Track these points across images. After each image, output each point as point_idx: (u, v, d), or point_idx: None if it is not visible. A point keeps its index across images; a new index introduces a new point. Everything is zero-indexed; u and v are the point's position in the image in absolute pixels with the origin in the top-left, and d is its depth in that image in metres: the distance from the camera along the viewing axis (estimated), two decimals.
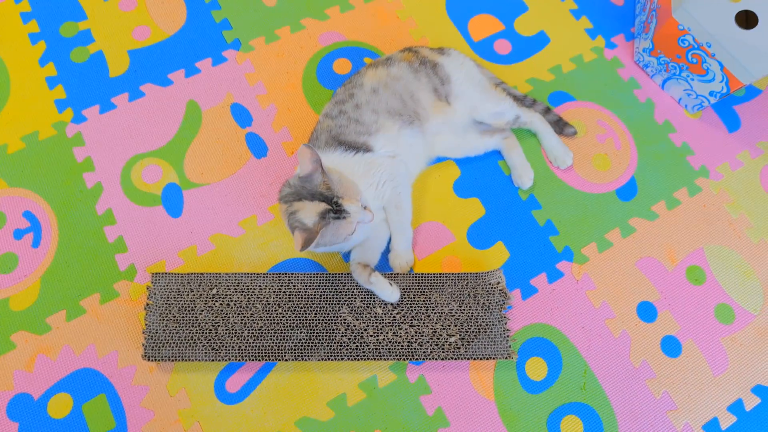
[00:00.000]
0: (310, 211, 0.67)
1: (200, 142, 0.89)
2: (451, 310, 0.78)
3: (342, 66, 0.95)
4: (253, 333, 0.75)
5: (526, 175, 0.87)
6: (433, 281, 0.80)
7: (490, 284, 0.80)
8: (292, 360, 0.74)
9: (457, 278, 0.80)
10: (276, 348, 0.75)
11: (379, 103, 0.79)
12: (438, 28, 0.99)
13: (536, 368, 0.78)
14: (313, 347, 0.75)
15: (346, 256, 0.83)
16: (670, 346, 0.81)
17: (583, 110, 0.95)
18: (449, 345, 0.76)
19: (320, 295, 0.78)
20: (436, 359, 0.75)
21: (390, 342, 0.76)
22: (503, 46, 0.98)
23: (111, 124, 0.89)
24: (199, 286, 0.77)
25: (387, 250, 0.82)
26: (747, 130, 0.95)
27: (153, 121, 0.90)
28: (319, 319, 0.77)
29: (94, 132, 0.89)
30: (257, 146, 0.89)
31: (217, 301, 0.77)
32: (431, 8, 1.01)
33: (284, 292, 0.78)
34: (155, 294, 0.77)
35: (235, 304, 0.77)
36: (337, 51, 0.96)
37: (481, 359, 0.76)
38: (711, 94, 0.89)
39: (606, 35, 1.00)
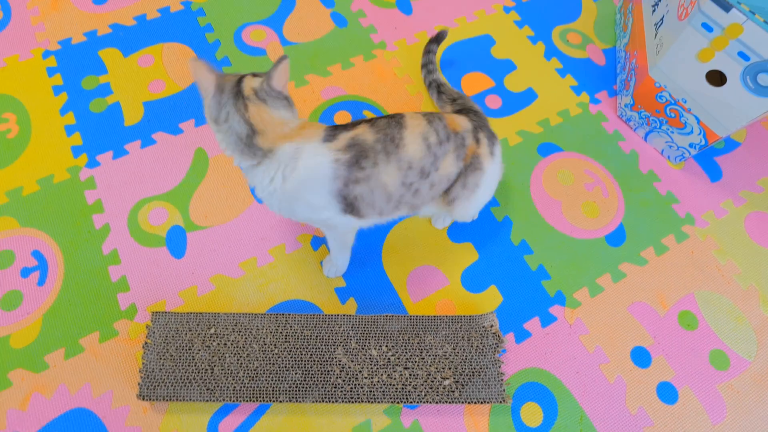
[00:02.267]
0: None
1: (206, 186, 0.93)
2: (446, 352, 0.79)
3: (342, 118, 1.01)
4: (248, 373, 0.76)
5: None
6: (427, 324, 0.81)
7: (483, 327, 0.81)
8: (287, 401, 0.74)
9: (451, 321, 0.81)
10: (271, 389, 0.75)
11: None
12: None
13: (532, 414, 0.78)
14: (308, 389, 0.76)
15: (342, 297, 0.85)
16: (667, 393, 0.81)
17: (571, 160, 0.99)
18: (444, 388, 0.76)
19: (316, 336, 0.79)
20: (430, 402, 0.75)
21: (384, 384, 0.76)
22: (494, 101, 1.05)
23: (122, 169, 0.94)
24: (198, 325, 0.79)
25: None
26: (729, 180, 0.99)
27: (162, 167, 0.95)
28: (314, 360, 0.77)
29: (106, 176, 0.93)
30: None
31: (214, 340, 0.78)
32: (416, 65, 1.08)
33: (281, 332, 0.79)
34: (154, 333, 0.78)
35: (232, 344, 0.78)
36: (338, 104, 1.03)
37: (475, 403, 0.76)
38: (691, 146, 0.94)
39: (590, 92, 1.07)
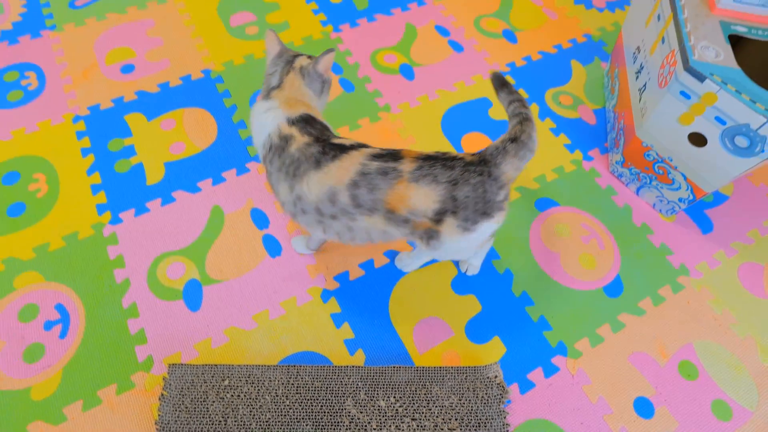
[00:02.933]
0: None
1: (222, 241, 0.98)
2: (452, 403, 0.81)
3: None
4: (261, 425, 0.78)
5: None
6: (434, 375, 0.84)
7: (488, 378, 0.83)
8: None
9: (456, 372, 0.84)
10: None
11: None
12: (435, 143, 1.13)
13: None
14: None
15: (351, 349, 0.88)
16: None
17: (567, 214, 1.05)
18: None
19: (326, 387, 0.82)
20: None
21: None
22: None
23: (144, 226, 1.00)
24: (212, 377, 0.82)
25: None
26: (720, 232, 1.04)
27: (181, 224, 1.00)
28: (324, 412, 0.80)
29: (128, 232, 0.99)
30: (272, 246, 0.98)
31: (228, 392, 0.80)
32: (428, 127, 1.16)
33: (292, 384, 0.82)
34: (170, 385, 0.81)
35: (245, 396, 0.80)
36: None
37: None
38: (680, 200, 0.99)
39: (583, 149, 1.14)
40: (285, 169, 0.76)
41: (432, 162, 0.71)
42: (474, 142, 1.14)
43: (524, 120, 0.74)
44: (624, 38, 1.15)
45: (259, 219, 1.01)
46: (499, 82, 0.79)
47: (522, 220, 1.03)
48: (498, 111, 1.19)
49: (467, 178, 0.70)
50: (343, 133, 1.14)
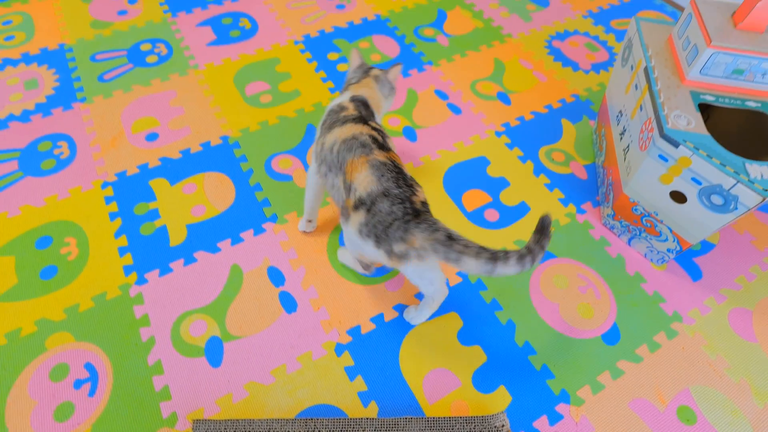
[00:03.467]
0: None
1: (241, 299, 1.05)
2: None
3: None
4: None
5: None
6: (444, 425, 0.88)
7: (495, 427, 0.88)
8: None
9: (465, 422, 0.88)
10: None
11: None
12: (437, 200, 1.21)
13: None
14: None
15: (364, 401, 0.93)
16: None
17: (564, 266, 1.11)
18: None
19: None
20: None
21: None
22: (492, 215, 1.19)
23: (167, 286, 1.07)
24: None
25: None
26: (709, 279, 1.10)
27: (202, 283, 1.07)
28: None
29: (153, 292, 1.06)
30: (288, 303, 1.05)
31: None
32: (431, 185, 1.24)
33: None
34: None
35: None
36: None
37: None
38: (669, 251, 1.06)
39: (576, 203, 1.22)
40: (327, 125, 0.95)
41: (394, 171, 0.84)
42: (474, 199, 1.22)
43: (504, 254, 0.75)
44: (608, 100, 1.25)
45: (276, 277, 1.08)
46: (541, 226, 0.79)
47: (522, 272, 1.10)
48: (495, 169, 1.28)
49: (393, 203, 0.80)
50: None
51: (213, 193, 1.22)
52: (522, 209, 1.20)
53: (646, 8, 1.81)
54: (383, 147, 0.87)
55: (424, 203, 0.83)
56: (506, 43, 1.64)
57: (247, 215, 1.18)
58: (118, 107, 1.41)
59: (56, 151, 1.31)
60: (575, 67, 1.57)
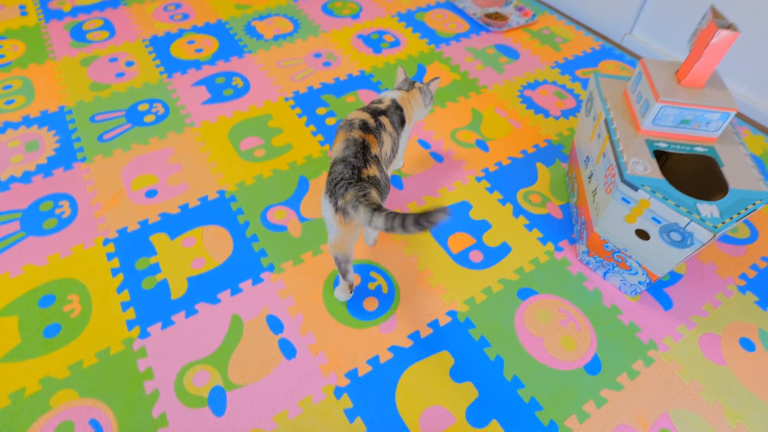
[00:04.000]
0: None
1: (242, 348, 1.10)
2: None
3: (356, 278, 1.22)
4: None
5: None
6: None
7: None
8: None
9: None
10: None
11: None
12: (425, 245, 1.29)
13: None
14: None
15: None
16: None
17: (546, 301, 1.19)
18: None
19: None
20: None
21: None
22: (477, 256, 1.27)
23: (170, 338, 1.11)
24: None
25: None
26: (679, 308, 1.19)
27: (204, 334, 1.12)
28: None
29: (156, 345, 1.10)
30: (288, 349, 1.10)
31: None
32: None
33: None
34: None
35: None
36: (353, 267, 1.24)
37: None
38: (640, 283, 1.15)
39: (554, 241, 1.31)
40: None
41: (360, 146, 1.03)
42: (459, 241, 1.30)
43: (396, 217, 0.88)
44: (576, 146, 1.37)
45: (275, 324, 1.14)
46: (431, 212, 0.88)
47: (507, 309, 1.17)
48: (478, 212, 1.37)
49: (346, 167, 0.99)
50: None
51: (212, 246, 1.28)
52: (504, 249, 1.29)
53: (607, 58, 1.98)
54: (367, 129, 1.07)
55: (371, 177, 0.99)
56: (482, 93, 1.77)
57: (245, 266, 1.24)
58: (117, 166, 1.48)
59: (58, 211, 1.36)
60: (546, 114, 1.70)
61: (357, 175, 0.98)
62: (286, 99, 1.72)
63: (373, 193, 0.96)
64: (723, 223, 0.93)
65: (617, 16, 2.04)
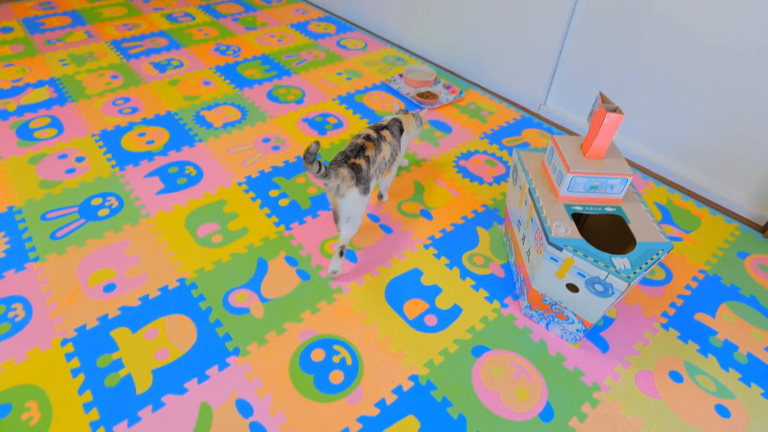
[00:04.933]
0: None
1: None
2: None
3: (317, 354, 1.27)
4: None
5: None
6: None
7: None
8: None
9: None
10: None
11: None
12: (383, 314, 1.38)
13: None
14: None
15: None
16: None
17: (499, 356, 1.29)
18: None
19: None
20: None
21: None
22: (431, 320, 1.37)
23: None
24: None
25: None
26: (614, 349, 1.32)
27: (173, 426, 1.12)
28: None
29: None
30: None
31: None
32: (375, 301, 1.41)
33: None
34: None
35: None
36: (313, 344, 1.30)
37: None
38: (578, 330, 1.28)
39: (499, 299, 1.44)
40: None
41: (357, 148, 1.41)
42: (414, 307, 1.40)
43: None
44: (508, 210, 1.54)
45: (244, 408, 1.16)
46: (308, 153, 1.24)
47: (464, 368, 1.26)
48: (428, 278, 1.49)
49: (342, 156, 1.39)
50: (306, 317, 1.36)
51: (175, 335, 1.30)
52: (456, 311, 1.39)
53: (528, 127, 2.24)
54: (369, 138, 1.46)
55: (355, 165, 1.37)
56: (422, 166, 1.94)
57: (210, 352, 1.27)
58: (72, 263, 1.49)
59: (11, 314, 1.34)
60: (480, 181, 1.88)
61: (345, 160, 1.37)
62: (239, 184, 1.81)
63: (343, 170, 1.33)
64: (635, 273, 1.09)
65: (532, 90, 2.33)
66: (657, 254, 1.14)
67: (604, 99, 1.24)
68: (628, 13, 1.86)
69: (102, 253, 1.53)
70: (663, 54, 1.82)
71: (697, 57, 1.74)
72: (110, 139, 2.02)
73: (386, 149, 1.50)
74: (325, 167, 1.26)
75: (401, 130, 1.63)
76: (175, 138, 2.05)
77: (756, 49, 1.59)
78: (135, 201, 1.72)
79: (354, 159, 1.38)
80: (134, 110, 2.22)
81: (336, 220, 1.46)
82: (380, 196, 1.76)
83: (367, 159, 1.41)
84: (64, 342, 1.28)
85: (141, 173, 1.85)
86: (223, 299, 1.40)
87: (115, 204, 1.70)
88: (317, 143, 1.20)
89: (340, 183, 1.34)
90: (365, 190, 1.40)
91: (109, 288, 1.42)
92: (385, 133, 1.52)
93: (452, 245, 1.60)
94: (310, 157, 1.20)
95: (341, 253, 1.43)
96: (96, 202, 1.71)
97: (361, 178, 1.38)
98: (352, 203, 1.38)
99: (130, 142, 2.01)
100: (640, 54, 1.89)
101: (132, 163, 1.89)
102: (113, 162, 1.90)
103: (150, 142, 2.01)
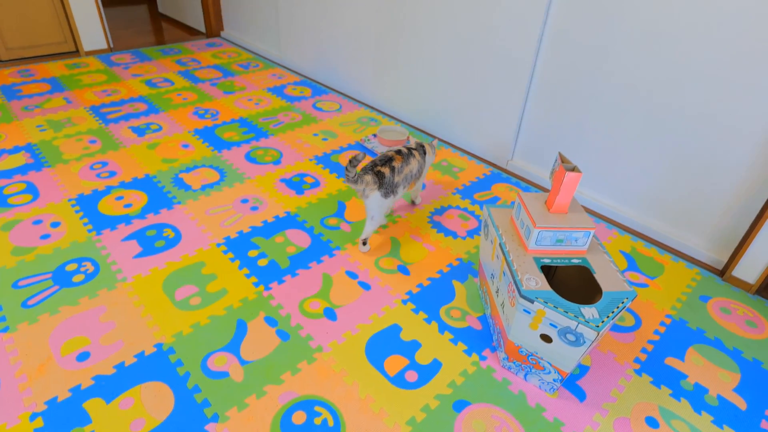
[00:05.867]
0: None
1: None
2: None
3: (299, 417, 1.26)
4: None
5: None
6: None
7: None
8: None
9: None
10: None
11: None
12: (363, 372, 1.38)
13: None
14: None
15: None
16: None
17: (479, 410, 1.30)
18: None
19: None
20: None
21: None
22: (412, 376, 1.38)
23: None
24: None
25: None
26: (592, 397, 1.35)
27: None
28: None
29: None
30: None
31: None
32: (356, 359, 1.42)
33: None
34: None
35: None
36: (294, 406, 1.28)
37: None
38: (554, 380, 1.31)
39: (478, 352, 1.46)
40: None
41: (386, 159, 1.75)
42: (394, 364, 1.41)
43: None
44: (482, 263, 1.59)
45: None
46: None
47: (446, 424, 1.26)
48: (407, 333, 1.51)
49: (372, 163, 1.74)
50: (287, 378, 1.35)
51: (151, 404, 1.27)
52: (436, 366, 1.41)
53: (497, 182, 2.35)
54: (399, 153, 1.80)
55: (380, 172, 1.69)
56: (398, 222, 2.01)
57: (188, 420, 1.24)
58: (44, 332, 1.45)
59: None
60: (455, 235, 1.95)
61: (372, 167, 1.70)
62: (218, 245, 1.83)
63: (367, 177, 1.66)
64: (603, 321, 1.14)
65: (500, 147, 2.47)
66: (622, 302, 1.20)
67: (563, 159, 1.34)
68: (584, 75, 2.03)
69: (76, 320, 1.50)
70: (619, 112, 1.98)
71: (651, 115, 1.89)
72: (87, 204, 2.03)
73: (414, 164, 1.84)
74: (356, 174, 1.64)
75: (424, 152, 1.98)
76: (153, 201, 2.07)
77: (700, 107, 1.76)
78: (111, 265, 1.71)
79: (380, 167, 1.69)
80: (112, 174, 2.25)
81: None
82: (413, 202, 2.13)
83: (392, 169, 1.72)
84: (33, 416, 1.23)
85: (118, 237, 1.85)
86: (202, 363, 1.38)
87: (91, 269, 1.69)
88: (363, 154, 1.60)
89: (365, 187, 1.66)
90: (386, 194, 1.70)
91: (83, 356, 1.39)
92: (414, 152, 1.88)
93: (430, 299, 1.64)
94: (354, 161, 1.57)
95: (364, 243, 1.81)
96: (71, 267, 1.70)
97: (383, 184, 1.68)
98: (374, 203, 1.70)
99: (107, 206, 2.02)
100: (597, 112, 2.04)
101: (109, 227, 1.90)
102: (90, 226, 1.90)
103: (128, 206, 2.03)
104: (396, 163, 1.74)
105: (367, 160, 2.46)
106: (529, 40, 2.13)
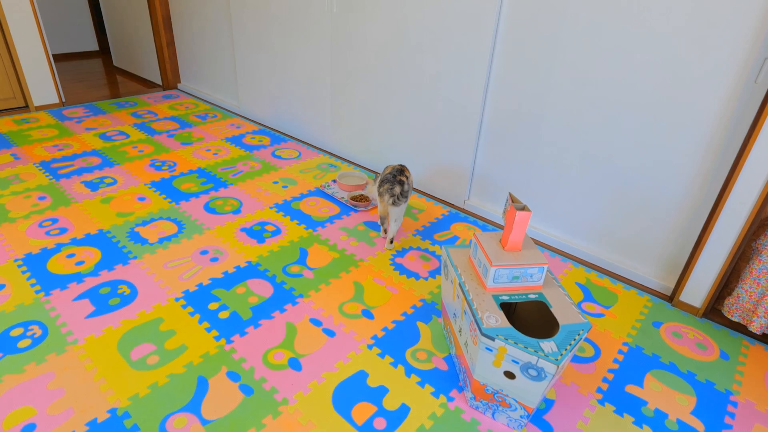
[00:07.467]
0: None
1: None
2: None
3: None
4: None
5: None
6: None
7: None
8: None
9: None
10: None
11: None
12: (331, 423, 1.35)
13: None
14: None
15: None
16: None
17: None
18: None
19: None
20: None
21: None
22: (381, 423, 1.36)
23: None
24: None
25: None
26: (559, 431, 1.37)
27: None
28: None
29: None
30: None
31: None
32: (322, 410, 1.39)
33: None
34: None
35: None
36: None
37: None
38: (521, 416, 1.32)
39: (445, 393, 1.46)
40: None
41: (394, 175, 2.05)
42: (362, 412, 1.38)
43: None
44: (444, 303, 1.62)
45: None
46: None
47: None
48: (374, 379, 1.49)
49: (383, 179, 2.09)
50: None
51: None
52: (404, 411, 1.40)
53: (456, 221, 2.42)
54: (402, 173, 2.05)
55: (400, 181, 2.02)
56: (360, 266, 2.02)
57: None
58: None
59: None
60: (417, 276, 1.98)
61: (393, 177, 2.02)
62: (177, 299, 1.78)
63: (396, 188, 1.99)
64: (561, 355, 1.18)
65: (456, 187, 2.56)
66: (579, 334, 1.25)
67: (513, 199, 1.41)
68: (527, 118, 2.16)
69: (20, 390, 1.40)
70: (560, 151, 2.11)
71: (588, 152, 2.03)
72: (35, 263, 1.94)
73: (411, 180, 2.13)
74: (400, 196, 2.01)
75: (408, 175, 2.18)
76: (107, 257, 2.00)
77: (632, 143, 1.90)
78: (61, 327, 1.63)
79: (400, 176, 2.02)
80: (63, 231, 2.17)
81: (382, 222, 2.19)
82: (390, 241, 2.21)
83: (406, 177, 2.06)
84: None
85: (69, 297, 1.77)
86: (160, 426, 1.31)
87: (39, 333, 1.60)
88: (402, 182, 2.02)
89: (403, 199, 2.03)
90: (406, 199, 2.06)
91: (28, 429, 1.29)
92: (406, 171, 2.12)
93: (395, 343, 1.64)
94: (400, 188, 2.00)
95: (391, 241, 2.13)
96: (16, 332, 1.60)
97: (405, 192, 2.03)
98: (401, 209, 2.05)
99: (57, 265, 1.94)
100: (541, 152, 2.17)
101: (59, 287, 1.81)
102: (38, 287, 1.81)
103: (80, 263, 1.95)
104: (407, 173, 2.08)
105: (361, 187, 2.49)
106: (476, 88, 2.26)
